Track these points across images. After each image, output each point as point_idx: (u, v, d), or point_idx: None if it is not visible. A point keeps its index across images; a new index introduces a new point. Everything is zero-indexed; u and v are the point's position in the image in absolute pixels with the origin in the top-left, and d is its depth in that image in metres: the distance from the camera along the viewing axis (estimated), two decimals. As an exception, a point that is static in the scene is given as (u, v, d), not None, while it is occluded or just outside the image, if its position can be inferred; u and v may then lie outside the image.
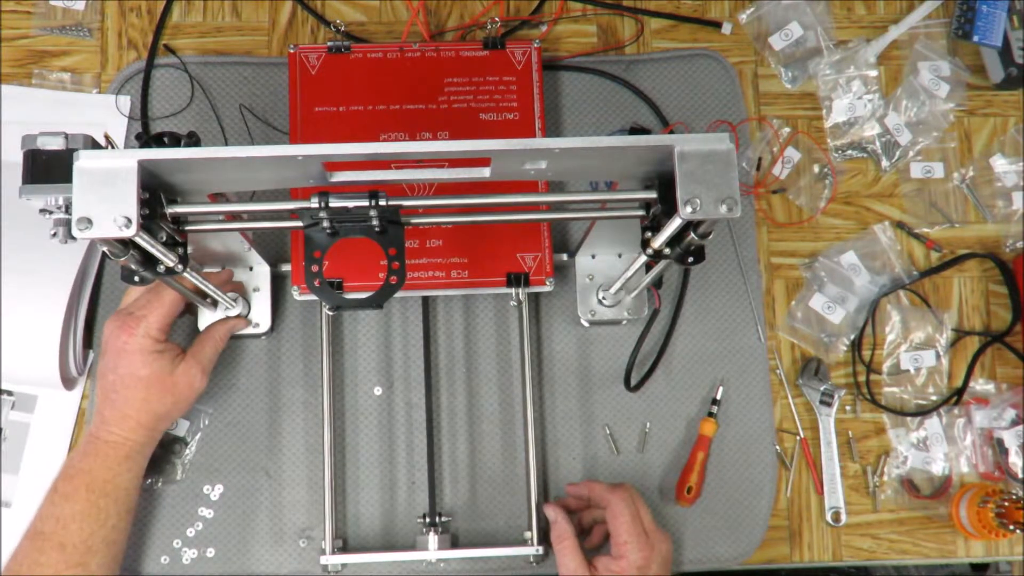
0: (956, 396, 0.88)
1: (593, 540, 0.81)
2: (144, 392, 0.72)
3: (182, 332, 0.83)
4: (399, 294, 0.69)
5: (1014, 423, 0.86)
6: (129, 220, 0.51)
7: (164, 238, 0.59)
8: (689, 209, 0.53)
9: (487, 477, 0.83)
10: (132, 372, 0.71)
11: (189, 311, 0.81)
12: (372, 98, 0.83)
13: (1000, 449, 0.86)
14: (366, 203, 0.58)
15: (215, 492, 0.81)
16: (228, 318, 0.79)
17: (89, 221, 0.51)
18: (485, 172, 0.59)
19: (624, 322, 0.84)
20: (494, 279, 0.80)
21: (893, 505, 0.86)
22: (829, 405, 0.86)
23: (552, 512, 0.77)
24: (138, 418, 0.72)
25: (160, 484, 0.81)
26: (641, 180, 0.60)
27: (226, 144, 0.86)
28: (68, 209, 0.54)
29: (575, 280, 0.83)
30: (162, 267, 0.60)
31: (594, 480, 0.82)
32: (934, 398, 0.88)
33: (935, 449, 0.87)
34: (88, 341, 0.83)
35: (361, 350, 0.84)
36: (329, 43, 0.83)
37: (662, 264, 0.65)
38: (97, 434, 0.72)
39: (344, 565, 0.78)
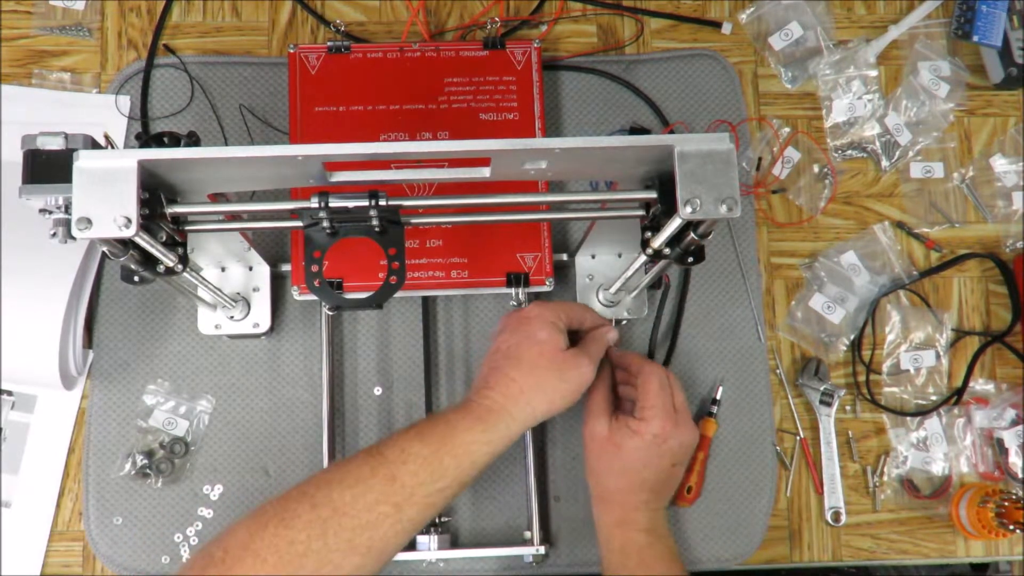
0: (956, 396, 0.88)
1: (621, 406, 0.78)
2: (535, 357, 0.69)
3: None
4: (399, 294, 0.69)
5: (1014, 423, 0.86)
6: (129, 220, 0.51)
7: (164, 238, 0.59)
8: (689, 209, 0.53)
9: (487, 477, 0.83)
10: (530, 335, 0.70)
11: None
12: (372, 98, 0.83)
13: (1000, 449, 0.86)
14: (366, 203, 0.58)
15: (215, 492, 0.81)
16: (603, 326, 0.76)
17: (89, 221, 0.51)
18: (485, 172, 0.59)
19: (624, 322, 0.84)
20: (494, 279, 0.80)
21: (893, 505, 0.86)
22: (829, 405, 0.86)
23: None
24: (521, 383, 0.68)
25: (160, 484, 0.81)
26: (641, 180, 0.60)
27: (226, 144, 0.86)
28: (68, 209, 0.54)
29: (575, 280, 0.83)
30: (162, 267, 0.60)
31: (632, 352, 0.80)
32: (934, 398, 0.88)
33: (935, 449, 0.86)
34: (88, 341, 0.83)
35: (361, 350, 0.84)
36: (329, 43, 0.83)
37: (662, 264, 0.65)
38: (471, 396, 0.69)
39: (344, 565, 0.78)
